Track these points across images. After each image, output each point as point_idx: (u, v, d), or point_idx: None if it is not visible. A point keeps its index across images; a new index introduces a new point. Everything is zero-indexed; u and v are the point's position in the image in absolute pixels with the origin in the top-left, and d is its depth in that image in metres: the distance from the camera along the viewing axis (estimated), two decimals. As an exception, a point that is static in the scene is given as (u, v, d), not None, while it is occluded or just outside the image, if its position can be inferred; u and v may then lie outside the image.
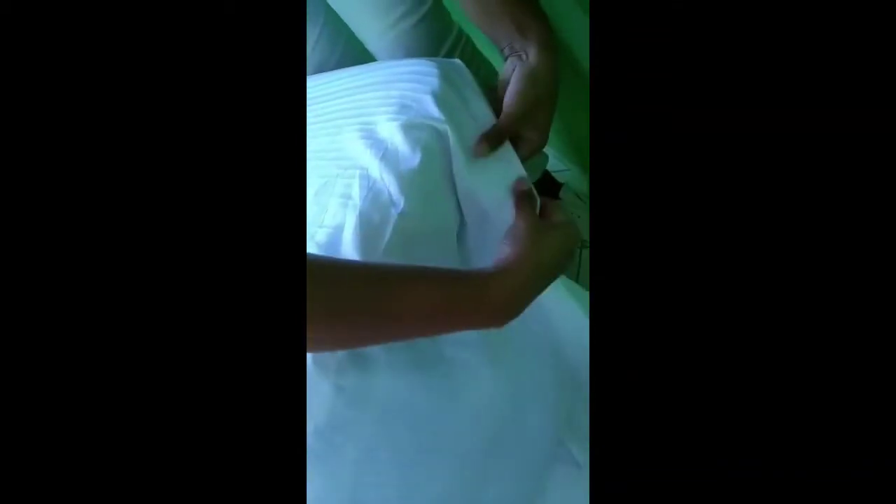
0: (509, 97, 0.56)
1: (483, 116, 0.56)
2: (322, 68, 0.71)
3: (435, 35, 0.72)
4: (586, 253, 1.08)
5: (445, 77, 0.56)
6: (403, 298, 0.42)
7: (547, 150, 0.88)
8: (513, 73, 0.56)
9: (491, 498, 0.53)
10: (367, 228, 0.50)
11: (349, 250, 0.49)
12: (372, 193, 0.51)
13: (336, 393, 0.48)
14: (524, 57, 0.55)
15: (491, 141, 0.54)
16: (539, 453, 0.58)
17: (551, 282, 0.50)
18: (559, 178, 1.19)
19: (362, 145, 0.53)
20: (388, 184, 0.51)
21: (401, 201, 0.51)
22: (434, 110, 0.53)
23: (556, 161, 1.18)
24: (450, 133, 0.52)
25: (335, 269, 0.43)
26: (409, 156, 0.52)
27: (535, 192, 0.56)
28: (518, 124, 0.56)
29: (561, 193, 1.17)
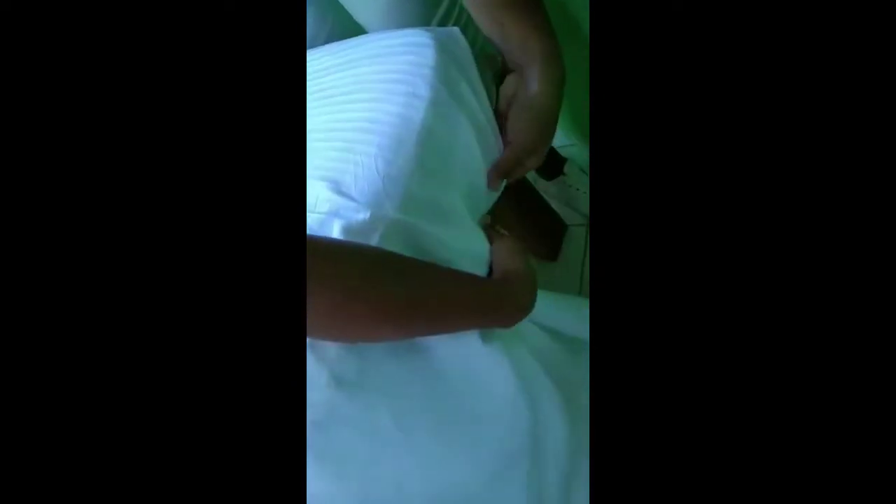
0: (514, 130, 0.59)
1: (480, 89, 0.54)
2: (312, 44, 0.69)
3: (427, 2, 0.68)
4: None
5: (442, 48, 0.54)
6: (452, 295, 0.48)
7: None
8: (513, 94, 0.57)
9: (512, 484, 0.51)
10: (358, 226, 0.48)
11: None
12: (367, 187, 0.49)
13: (336, 385, 0.46)
14: (527, 80, 0.57)
15: (501, 174, 0.59)
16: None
17: None
18: (564, 152, 1.17)
19: (358, 131, 0.52)
20: (384, 177, 0.49)
21: (395, 197, 0.49)
22: (431, 85, 0.52)
23: (561, 135, 1.16)
24: (447, 114, 0.52)
25: (401, 263, 0.46)
26: (406, 149, 0.50)
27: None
28: (524, 156, 0.59)
29: (565, 168, 1.15)
